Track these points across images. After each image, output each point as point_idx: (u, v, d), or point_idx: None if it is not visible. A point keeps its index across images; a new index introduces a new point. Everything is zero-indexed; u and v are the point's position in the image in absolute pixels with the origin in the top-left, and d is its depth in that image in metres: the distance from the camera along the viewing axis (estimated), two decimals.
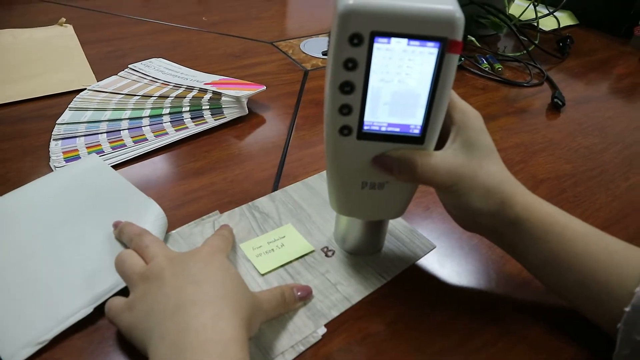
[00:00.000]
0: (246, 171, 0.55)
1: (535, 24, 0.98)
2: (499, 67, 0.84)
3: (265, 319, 0.36)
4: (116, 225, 0.42)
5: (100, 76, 0.70)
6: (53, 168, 0.51)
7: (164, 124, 0.59)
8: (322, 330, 0.37)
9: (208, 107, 0.62)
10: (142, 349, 0.31)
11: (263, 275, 0.42)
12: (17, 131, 0.58)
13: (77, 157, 0.53)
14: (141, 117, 0.59)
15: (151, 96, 0.64)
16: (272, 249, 0.44)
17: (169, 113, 0.60)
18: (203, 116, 0.61)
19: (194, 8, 1.07)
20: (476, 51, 0.91)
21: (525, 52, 0.89)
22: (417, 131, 0.34)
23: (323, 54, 0.86)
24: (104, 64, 0.74)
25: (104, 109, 0.61)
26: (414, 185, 0.38)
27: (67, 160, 0.52)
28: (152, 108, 0.61)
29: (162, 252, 0.36)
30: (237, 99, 0.62)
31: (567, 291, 0.37)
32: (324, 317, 0.38)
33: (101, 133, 0.56)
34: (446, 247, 0.46)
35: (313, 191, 0.52)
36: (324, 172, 0.54)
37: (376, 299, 0.41)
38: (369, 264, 0.43)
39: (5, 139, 0.57)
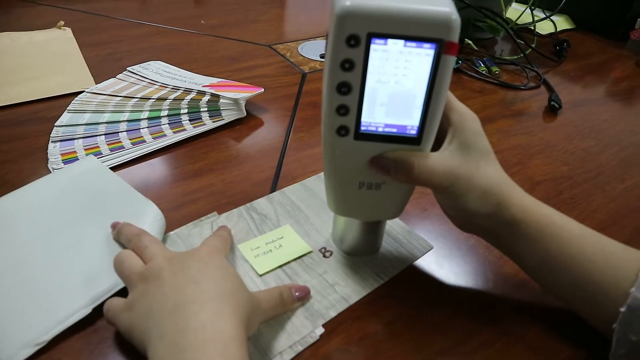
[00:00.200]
0: (244, 173, 0.55)
1: (532, 28, 0.98)
2: (496, 70, 0.84)
3: (263, 319, 0.36)
4: (114, 226, 0.42)
5: (98, 79, 0.71)
6: (51, 170, 0.51)
7: (162, 126, 0.59)
8: (320, 331, 0.38)
9: (206, 109, 0.62)
10: (142, 348, 0.31)
11: (261, 275, 0.42)
12: (16, 133, 0.58)
13: (75, 159, 0.53)
14: (139, 120, 0.60)
15: (149, 98, 0.64)
16: (270, 250, 0.44)
17: (167, 115, 0.61)
18: (201, 118, 0.61)
19: (192, 11, 1.07)
20: (473, 54, 0.91)
21: (522, 55, 0.90)
22: (414, 132, 0.34)
23: (321, 57, 0.86)
24: (102, 67, 0.74)
25: (102, 111, 0.61)
26: (411, 186, 0.38)
27: (66, 162, 0.52)
28: (150, 110, 0.61)
29: (161, 252, 0.36)
30: (235, 101, 0.62)
31: (563, 292, 0.37)
32: (322, 318, 0.39)
33: (99, 135, 0.57)
34: (444, 248, 0.47)
35: (311, 192, 0.52)
36: (322, 174, 0.54)
37: (374, 299, 0.41)
38: (367, 265, 0.44)
39: (4, 141, 0.57)
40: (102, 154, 0.54)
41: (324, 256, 0.44)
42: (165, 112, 0.61)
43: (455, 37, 0.29)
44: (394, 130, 0.34)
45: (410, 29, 0.29)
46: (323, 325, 0.38)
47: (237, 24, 1.00)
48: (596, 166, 0.62)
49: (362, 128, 0.34)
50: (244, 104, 0.63)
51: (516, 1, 1.00)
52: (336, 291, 0.41)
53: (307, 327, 0.38)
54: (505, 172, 0.38)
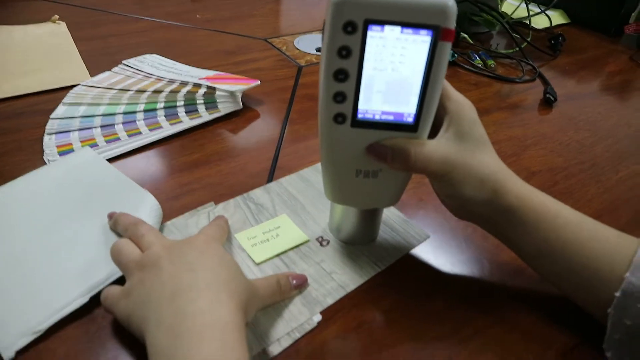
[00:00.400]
0: (241, 164, 0.55)
1: (527, 22, 0.99)
2: (491, 64, 0.85)
3: (261, 306, 0.36)
4: (111, 216, 0.42)
5: (93, 72, 0.70)
6: (47, 162, 0.51)
7: (158, 118, 0.59)
8: (318, 318, 0.38)
9: (202, 101, 0.62)
10: (139, 335, 0.31)
11: (258, 264, 0.42)
12: (11, 126, 0.58)
13: (71, 151, 0.52)
14: (135, 112, 0.59)
15: (145, 91, 0.64)
16: (267, 239, 0.44)
17: (164, 107, 0.61)
18: (197, 110, 0.61)
19: (187, 6, 1.07)
20: (469, 48, 0.91)
21: (517, 49, 0.90)
22: (410, 119, 0.34)
23: (317, 50, 0.86)
24: (98, 61, 0.74)
25: (98, 104, 0.61)
26: (407, 173, 0.38)
27: (61, 154, 0.52)
28: (146, 103, 0.61)
29: (158, 241, 0.36)
30: (232, 94, 0.62)
31: (559, 278, 0.38)
32: (319, 305, 0.39)
33: (95, 127, 0.56)
34: (440, 237, 0.47)
35: (307, 183, 0.52)
36: (319, 165, 0.55)
37: (371, 287, 0.41)
38: (364, 253, 0.44)
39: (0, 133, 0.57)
40: (98, 145, 0.53)
41: (321, 245, 0.44)
42: (162, 105, 0.61)
43: (451, 24, 0.30)
44: (391, 117, 0.34)
45: (407, 16, 0.29)
46: (320, 313, 0.38)
47: (233, 18, 1.00)
48: (591, 157, 0.62)
49: (359, 115, 0.34)
50: (240, 96, 0.63)
51: None
52: (333, 279, 0.41)
53: (305, 314, 0.38)
54: None
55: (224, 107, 0.62)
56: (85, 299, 0.37)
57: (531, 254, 0.38)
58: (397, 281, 0.42)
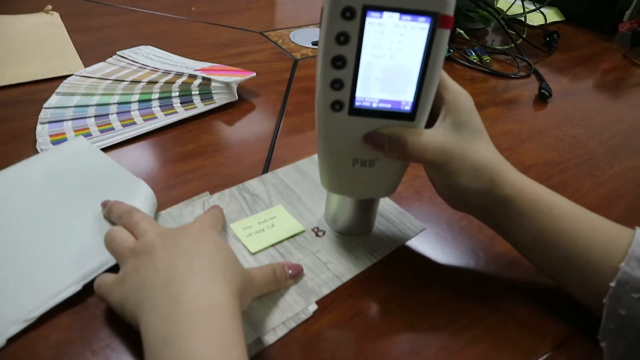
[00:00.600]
0: (236, 155, 0.55)
1: (523, 19, 0.99)
2: (487, 59, 0.85)
3: (256, 295, 0.36)
4: (105, 204, 0.42)
5: (87, 63, 0.70)
6: (40, 151, 0.51)
7: (153, 109, 0.58)
8: (313, 307, 0.38)
9: (198, 92, 0.61)
10: (134, 323, 0.31)
11: (254, 254, 0.42)
12: (3, 115, 0.57)
13: (64, 140, 0.52)
14: (130, 102, 0.59)
15: (140, 82, 0.63)
16: (263, 229, 0.44)
17: (159, 98, 0.60)
18: (193, 101, 0.61)
19: None
20: (465, 44, 0.91)
21: (513, 45, 0.90)
22: (408, 108, 0.34)
23: (313, 44, 0.86)
24: (92, 52, 0.73)
25: (92, 94, 0.60)
26: (404, 163, 0.38)
27: (54, 143, 0.52)
28: (141, 93, 0.61)
29: (153, 228, 0.36)
30: (227, 85, 0.62)
31: (555, 269, 0.38)
32: (315, 295, 0.39)
33: (89, 117, 0.56)
34: (436, 229, 0.47)
35: (303, 174, 0.52)
36: (315, 156, 0.55)
37: (367, 277, 0.41)
38: (360, 244, 0.44)
39: None
40: (91, 135, 0.53)
41: (317, 235, 0.44)
42: (157, 95, 0.60)
43: (450, 11, 0.29)
44: (389, 105, 0.34)
45: (405, 2, 0.29)
46: (316, 303, 0.38)
47: (228, 11, 0.99)
48: (585, 152, 0.63)
49: (357, 103, 0.34)
50: (235, 88, 0.62)
51: None
52: (329, 269, 0.41)
53: (300, 304, 0.38)
54: None
55: (220, 99, 0.62)
56: (78, 287, 0.36)
57: (527, 245, 0.38)
58: (392, 272, 0.42)
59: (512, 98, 0.76)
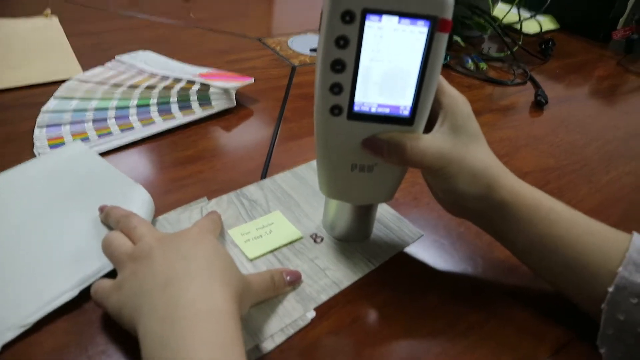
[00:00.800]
0: (234, 160, 0.55)
1: (518, 27, 1.00)
2: (483, 67, 0.85)
3: (254, 301, 0.36)
4: (102, 209, 0.41)
5: (86, 68, 0.70)
6: (37, 155, 0.50)
7: (151, 114, 0.58)
8: (312, 314, 0.37)
9: (196, 98, 0.61)
10: (131, 328, 0.30)
11: (252, 260, 0.41)
12: (1, 119, 0.57)
13: (62, 145, 0.52)
14: (128, 107, 0.59)
15: (138, 86, 0.63)
16: (261, 235, 0.44)
17: (157, 103, 0.60)
18: (191, 107, 0.61)
19: (180, 5, 1.06)
20: (461, 51, 0.92)
21: (509, 52, 0.91)
22: (406, 112, 0.34)
23: (311, 51, 0.86)
24: (90, 56, 0.73)
25: (90, 98, 0.60)
26: (403, 168, 0.38)
27: (52, 147, 0.51)
28: (139, 98, 0.61)
29: (150, 233, 0.35)
30: (226, 91, 0.62)
31: (553, 274, 0.38)
32: (313, 301, 0.38)
33: (87, 121, 0.56)
34: (434, 235, 0.47)
35: (301, 180, 0.52)
36: (313, 162, 0.55)
37: (365, 284, 0.41)
38: (358, 250, 0.44)
39: None
40: (89, 139, 0.53)
41: (315, 242, 0.44)
42: (155, 100, 0.60)
43: (449, 15, 0.30)
44: (387, 110, 0.34)
45: (404, 5, 0.29)
46: (314, 309, 0.38)
47: (226, 17, 1.00)
48: (582, 158, 0.63)
49: (356, 108, 0.34)
50: (234, 93, 0.62)
51: (502, 1, 1.01)
52: (327, 276, 0.41)
53: (299, 310, 0.37)
54: None
55: (218, 104, 0.62)
56: (74, 293, 0.36)
57: (524, 250, 0.38)
58: (391, 278, 0.42)
59: (509, 105, 0.76)
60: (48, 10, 0.86)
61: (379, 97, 0.33)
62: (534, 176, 0.58)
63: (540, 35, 1.05)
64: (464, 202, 0.38)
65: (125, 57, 0.72)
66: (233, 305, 0.29)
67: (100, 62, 0.72)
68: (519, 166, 0.60)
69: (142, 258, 0.33)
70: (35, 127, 0.55)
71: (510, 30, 1.01)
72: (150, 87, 0.63)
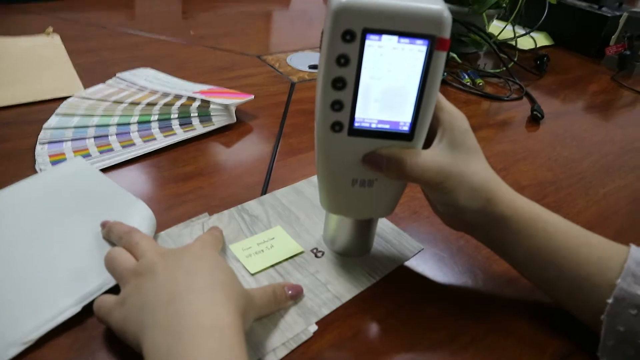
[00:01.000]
0: (235, 176, 0.55)
1: (514, 43, 1.01)
2: (480, 82, 0.87)
3: (257, 316, 0.36)
4: (104, 224, 0.42)
5: (87, 85, 0.70)
6: (38, 171, 0.51)
7: (152, 130, 0.59)
8: (313, 328, 0.37)
9: (197, 114, 0.62)
10: (135, 343, 0.30)
11: (253, 275, 0.42)
12: (1, 135, 0.57)
13: (64, 161, 0.52)
14: (129, 123, 0.59)
15: (139, 103, 0.64)
16: (262, 250, 0.44)
17: (158, 120, 0.61)
18: (192, 123, 0.61)
19: (180, 23, 1.08)
20: (458, 67, 0.93)
21: (505, 68, 0.92)
22: (406, 128, 0.35)
23: (310, 68, 0.87)
24: (91, 73, 0.74)
25: (92, 115, 0.61)
26: (402, 183, 0.39)
27: (54, 163, 0.52)
28: (140, 115, 0.61)
29: (153, 248, 0.36)
30: (226, 107, 0.62)
31: (551, 286, 0.38)
32: (314, 315, 0.38)
33: (88, 138, 0.56)
34: (434, 249, 0.47)
35: (302, 195, 0.52)
36: (313, 177, 0.55)
37: (366, 297, 0.41)
38: (358, 264, 0.44)
39: None
40: (91, 155, 0.53)
41: (316, 256, 0.44)
42: (156, 117, 0.61)
43: (446, 34, 0.31)
44: (387, 126, 0.35)
45: (403, 25, 0.30)
46: (316, 323, 0.38)
47: (226, 35, 1.01)
48: (578, 172, 0.64)
49: (356, 124, 0.34)
50: (234, 110, 0.63)
51: (497, 18, 1.03)
52: (328, 290, 0.41)
53: (300, 324, 0.38)
54: None
55: (218, 121, 0.62)
56: (77, 309, 0.36)
57: (523, 262, 0.39)
58: (392, 291, 0.42)
59: (505, 120, 0.77)
60: (50, 29, 0.87)
61: (379, 113, 0.34)
62: (531, 190, 0.59)
63: (535, 51, 1.07)
64: (463, 216, 0.38)
65: (126, 75, 0.73)
66: (237, 320, 0.29)
67: (102, 78, 0.72)
68: (517, 180, 0.60)
69: (145, 273, 0.33)
70: (37, 143, 0.55)
71: (505, 47, 1.02)
72: (151, 104, 0.63)
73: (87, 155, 0.53)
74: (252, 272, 0.42)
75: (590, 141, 0.73)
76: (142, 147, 0.56)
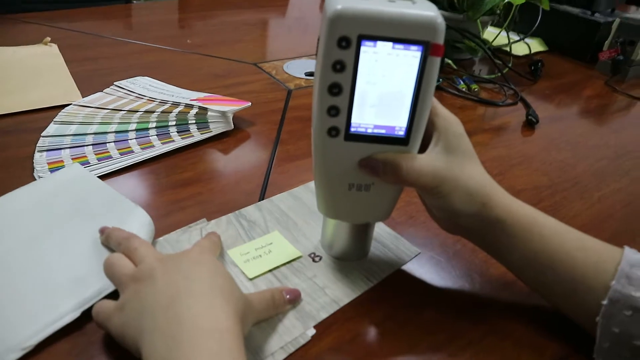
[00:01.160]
0: (232, 182, 0.55)
1: (508, 49, 1.02)
2: (475, 88, 0.88)
3: (255, 320, 0.36)
4: (103, 230, 0.42)
5: (85, 93, 0.71)
6: (37, 178, 0.51)
7: (150, 137, 0.59)
8: (312, 332, 0.38)
9: (194, 121, 0.63)
10: (134, 348, 0.31)
11: (251, 279, 0.42)
12: (1, 143, 0.58)
13: (62, 168, 0.52)
14: (127, 131, 0.60)
15: (137, 111, 0.64)
16: (260, 255, 0.44)
17: (156, 127, 0.61)
18: (189, 130, 0.62)
19: (177, 31, 1.09)
20: (453, 73, 0.94)
21: (499, 74, 0.93)
22: (402, 133, 0.35)
23: (306, 75, 0.88)
24: (89, 82, 0.75)
25: (90, 123, 0.61)
26: (399, 187, 0.39)
27: (52, 170, 0.52)
28: (138, 122, 0.62)
29: (152, 254, 0.36)
30: (223, 114, 0.63)
31: (547, 288, 0.39)
32: (312, 319, 0.39)
33: (87, 145, 0.57)
34: (430, 253, 0.47)
35: (299, 201, 0.52)
36: (310, 183, 0.55)
37: (364, 301, 0.41)
38: (356, 269, 0.44)
39: None
40: (89, 163, 0.53)
41: (314, 261, 0.45)
42: (154, 124, 0.61)
43: (440, 39, 0.31)
44: (383, 131, 0.35)
45: (398, 32, 0.31)
46: (314, 327, 0.38)
47: (222, 43, 1.02)
48: (573, 176, 0.64)
49: (352, 129, 0.35)
50: (231, 117, 0.64)
51: (492, 25, 1.04)
52: (326, 294, 0.41)
53: (299, 328, 0.38)
54: None
55: (216, 128, 0.63)
56: (76, 314, 0.36)
57: (519, 265, 0.39)
58: (389, 295, 0.42)
59: (501, 125, 0.78)
60: (48, 39, 0.88)
61: (375, 118, 0.34)
62: (527, 194, 0.59)
63: (530, 57, 1.08)
64: (459, 220, 0.39)
65: (124, 83, 0.74)
66: (236, 324, 0.29)
67: (100, 87, 0.73)
68: (512, 184, 0.61)
69: (144, 279, 0.33)
70: (36, 151, 0.55)
71: (500, 53, 1.03)
72: (149, 112, 0.64)
73: (85, 163, 0.53)
74: (250, 277, 0.42)
75: (584, 145, 0.74)
76: (140, 154, 0.56)
